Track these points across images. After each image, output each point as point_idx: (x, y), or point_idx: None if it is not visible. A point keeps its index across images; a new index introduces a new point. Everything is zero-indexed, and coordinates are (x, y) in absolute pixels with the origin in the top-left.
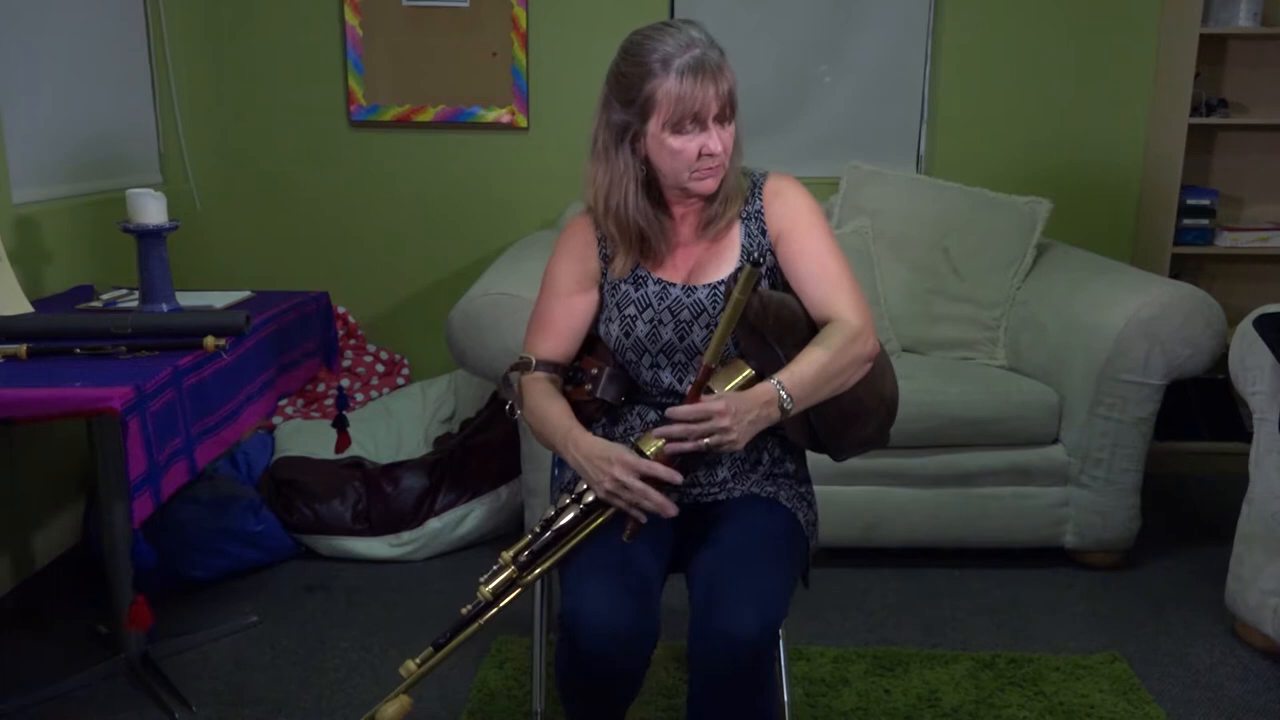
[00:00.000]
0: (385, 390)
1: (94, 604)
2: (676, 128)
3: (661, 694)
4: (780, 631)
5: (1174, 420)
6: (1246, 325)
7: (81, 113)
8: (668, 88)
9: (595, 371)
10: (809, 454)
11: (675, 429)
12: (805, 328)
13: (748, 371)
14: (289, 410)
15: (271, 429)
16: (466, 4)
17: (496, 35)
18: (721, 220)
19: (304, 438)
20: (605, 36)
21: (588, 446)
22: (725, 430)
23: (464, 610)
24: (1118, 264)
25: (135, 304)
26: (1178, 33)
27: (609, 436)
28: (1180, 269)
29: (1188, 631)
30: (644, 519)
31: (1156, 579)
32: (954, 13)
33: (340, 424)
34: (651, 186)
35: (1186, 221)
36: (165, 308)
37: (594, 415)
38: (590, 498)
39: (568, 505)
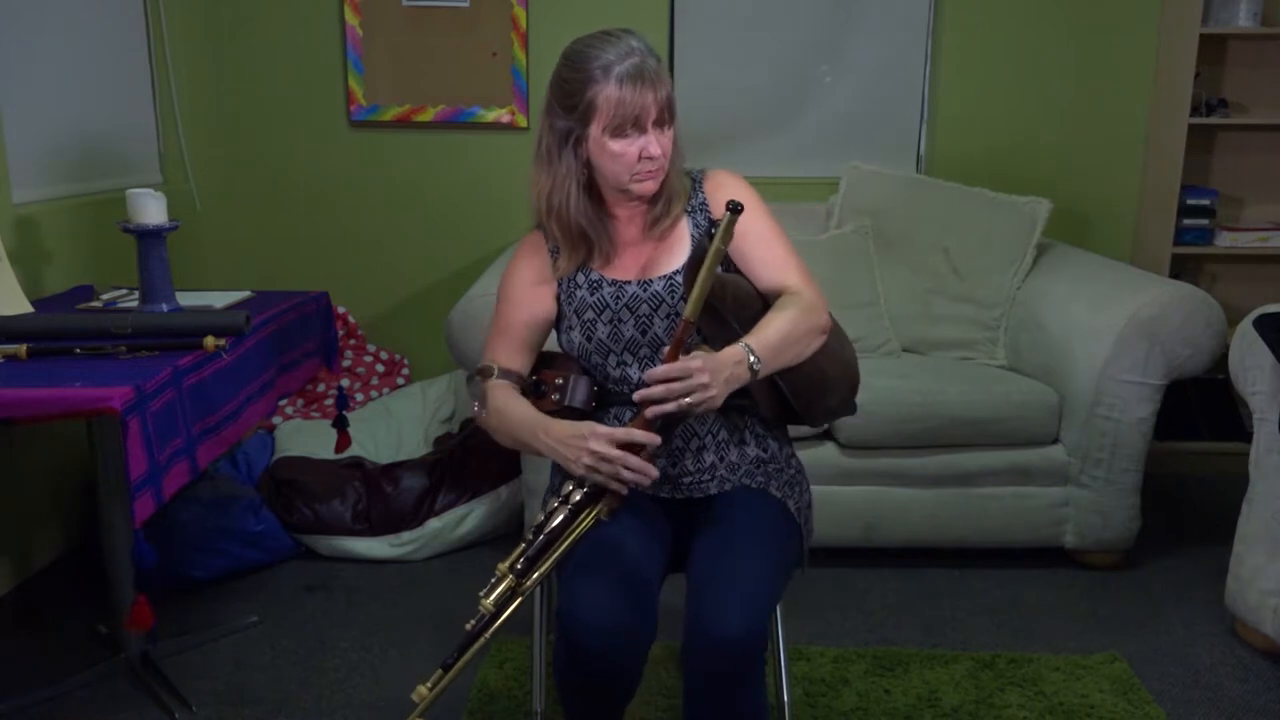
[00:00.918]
0: (385, 390)
1: (94, 604)
2: (617, 132)
3: (661, 694)
4: (779, 632)
5: (1174, 420)
6: (1246, 325)
7: (81, 113)
8: (608, 93)
9: (560, 382)
10: (807, 454)
11: (656, 390)
12: (759, 303)
13: (706, 349)
14: (289, 410)
15: (271, 429)
16: (466, 4)
17: (496, 35)
18: (666, 220)
19: (304, 438)
20: None
21: (558, 430)
22: (705, 386)
23: (468, 626)
24: (1118, 264)
25: (135, 304)
26: (1178, 33)
27: None
28: (1180, 269)
29: (1188, 631)
30: (625, 491)
31: (1156, 579)
32: (954, 13)
33: (340, 424)
34: (593, 189)
35: (1186, 221)
36: (165, 308)
37: None
38: (577, 496)
39: (556, 508)
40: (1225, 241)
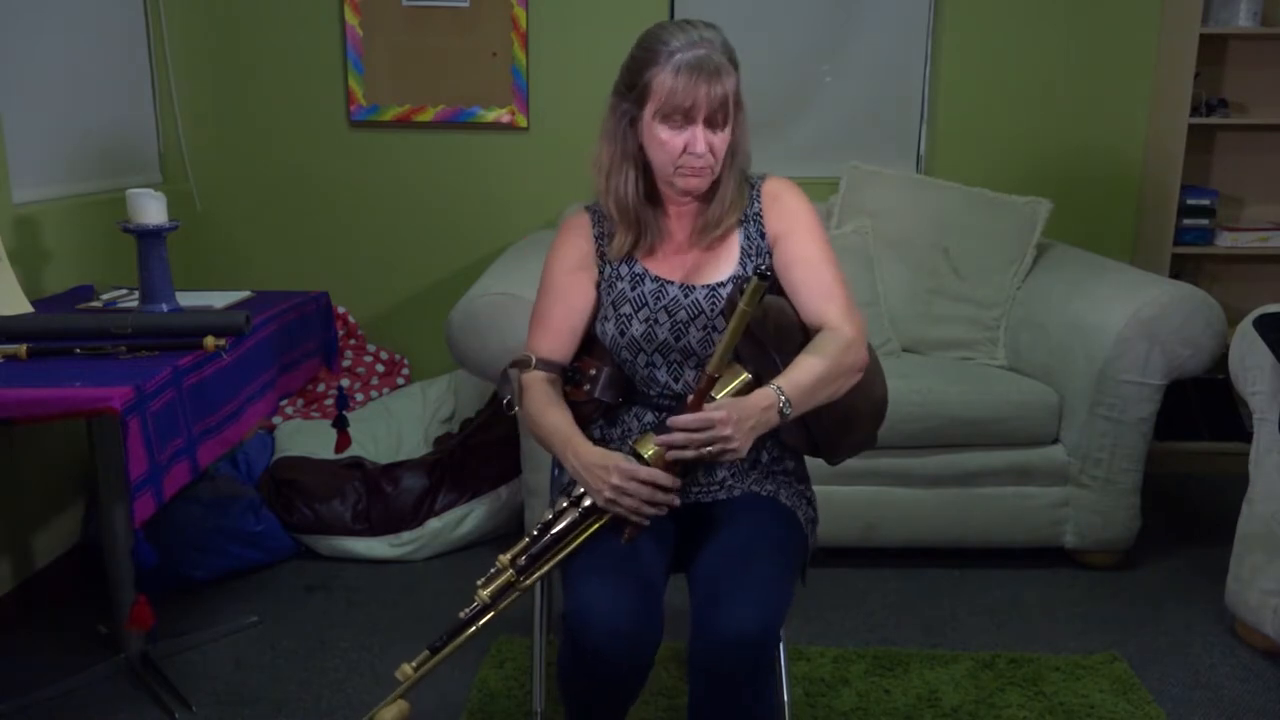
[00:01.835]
0: (385, 390)
1: (94, 604)
2: (666, 119)
3: (661, 694)
4: (780, 631)
5: (1174, 420)
6: (1246, 325)
7: (81, 113)
8: (663, 78)
9: (593, 372)
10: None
11: (677, 437)
12: (800, 334)
13: (745, 376)
14: (289, 410)
15: (271, 429)
16: (466, 4)
17: (496, 35)
18: (717, 230)
19: (304, 438)
20: (605, 36)
21: (586, 455)
22: (727, 439)
23: (462, 614)
24: (1118, 264)
25: (135, 304)
26: (1178, 33)
27: (606, 438)
28: (1180, 269)
29: (1188, 631)
30: (646, 523)
31: (1156, 579)
32: (954, 13)
33: (340, 424)
34: (649, 178)
35: (1186, 221)
36: (165, 308)
37: (591, 416)
38: (588, 502)
39: (565, 509)
40: (1225, 241)
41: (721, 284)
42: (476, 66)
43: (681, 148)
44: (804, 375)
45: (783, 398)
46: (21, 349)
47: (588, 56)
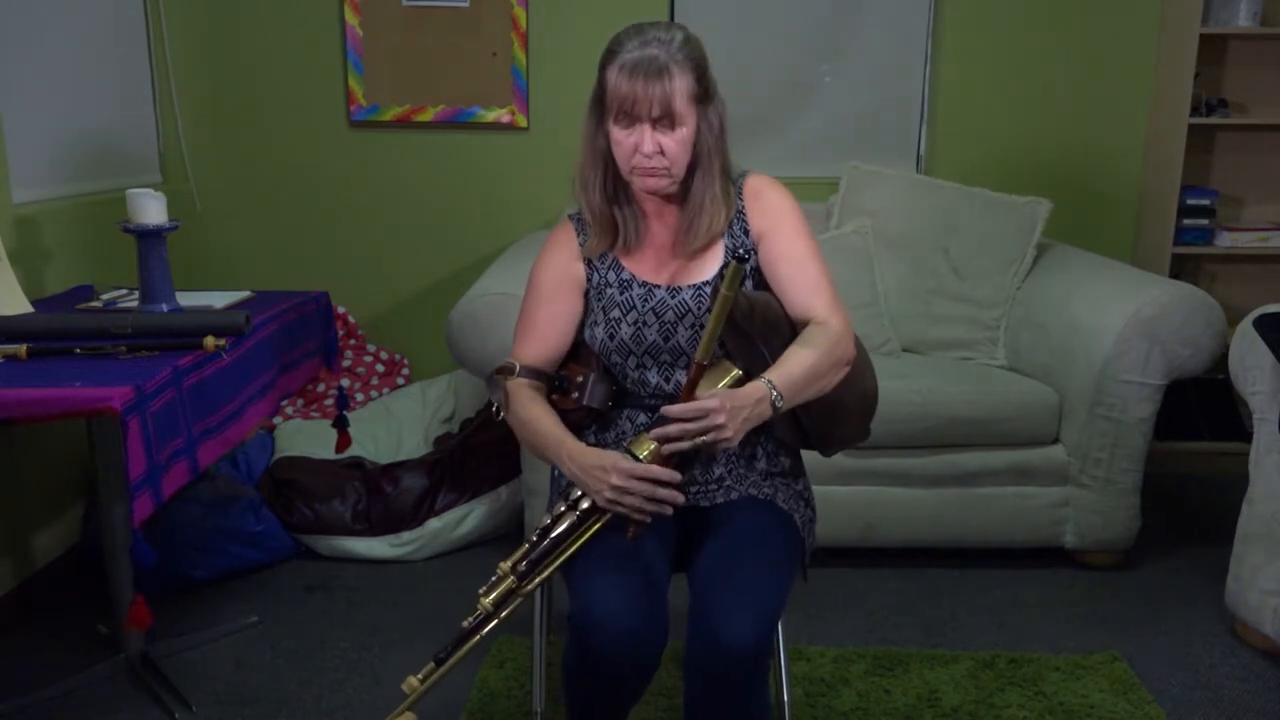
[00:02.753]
0: (385, 390)
1: (94, 604)
2: (617, 119)
3: (662, 694)
4: (779, 632)
5: (1174, 420)
6: (1246, 325)
7: (81, 113)
8: (612, 79)
9: (580, 379)
10: (807, 455)
11: (671, 429)
12: (788, 328)
13: (735, 372)
14: (289, 410)
15: (271, 429)
16: (466, 4)
17: (496, 35)
18: (698, 240)
19: (304, 438)
20: (605, 36)
21: (582, 457)
22: (721, 427)
23: (465, 622)
24: (1118, 264)
25: (135, 304)
26: (1178, 33)
27: (600, 443)
28: (1180, 269)
29: (1188, 631)
30: (648, 520)
31: (1156, 579)
32: (954, 13)
33: (340, 424)
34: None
35: (1186, 221)
36: (165, 308)
37: (583, 422)
38: (586, 503)
39: (564, 513)
40: (1225, 241)
41: (706, 282)
42: (476, 66)
43: (632, 149)
44: (794, 368)
45: (774, 391)
46: (21, 349)
47: (588, 56)
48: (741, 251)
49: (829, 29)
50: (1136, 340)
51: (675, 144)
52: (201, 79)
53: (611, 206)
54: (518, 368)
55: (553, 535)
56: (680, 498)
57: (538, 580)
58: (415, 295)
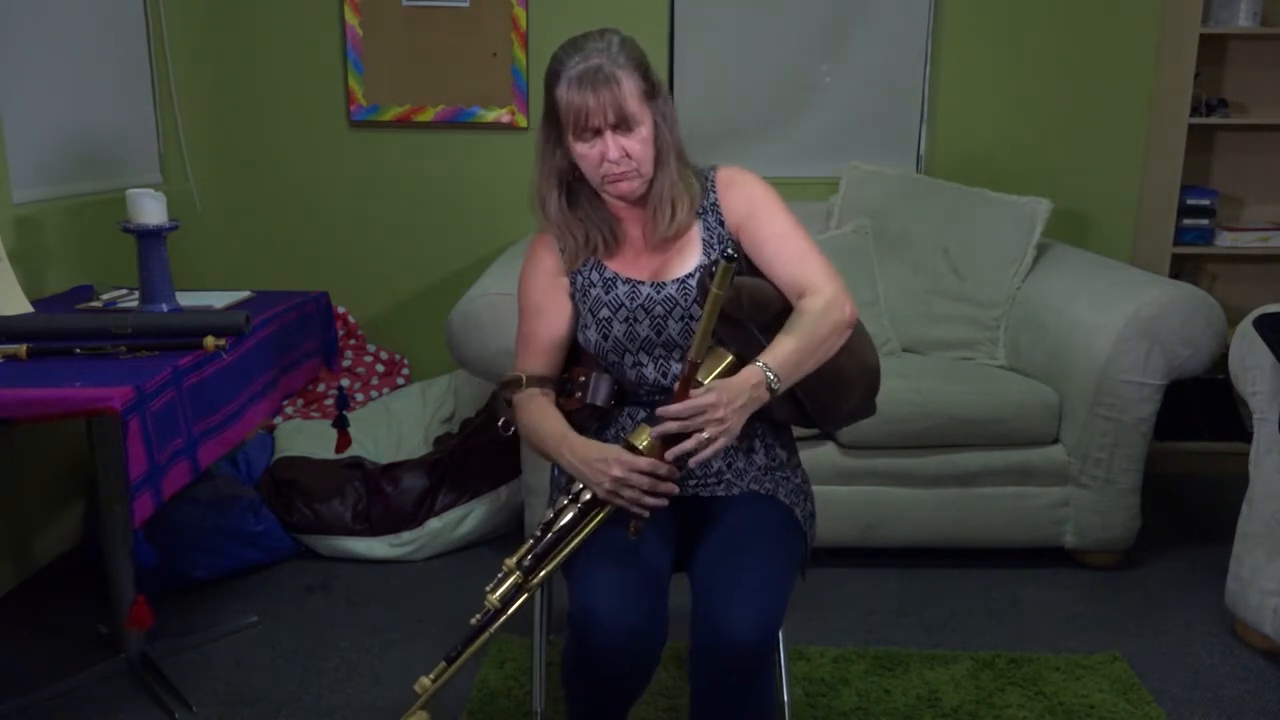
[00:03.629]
0: (385, 390)
1: (94, 604)
2: (577, 135)
3: (662, 694)
4: (780, 631)
5: (1174, 420)
6: (1246, 325)
7: (81, 113)
8: (563, 96)
9: (584, 379)
10: (807, 454)
11: (670, 426)
12: (780, 306)
13: (730, 359)
14: (289, 410)
15: (271, 429)
16: (466, 4)
17: (496, 35)
18: (669, 228)
19: (304, 438)
20: None
21: (582, 450)
22: (720, 421)
23: (473, 620)
24: (1118, 264)
25: (135, 304)
26: (1178, 33)
27: (601, 440)
28: (1180, 269)
29: (1188, 631)
30: (647, 514)
31: (1156, 579)
32: (954, 13)
33: (341, 424)
34: (587, 187)
35: (1186, 221)
36: (165, 308)
37: (586, 422)
38: (587, 496)
39: (565, 506)
40: (1225, 241)
41: (690, 275)
42: (476, 66)
43: (598, 159)
44: (788, 344)
45: (770, 374)
46: (21, 349)
47: None
48: (729, 250)
49: (829, 29)
50: (1136, 340)
51: (638, 144)
52: (201, 79)
53: (576, 216)
54: (525, 379)
55: (556, 528)
56: (675, 490)
57: (543, 573)
58: (415, 295)
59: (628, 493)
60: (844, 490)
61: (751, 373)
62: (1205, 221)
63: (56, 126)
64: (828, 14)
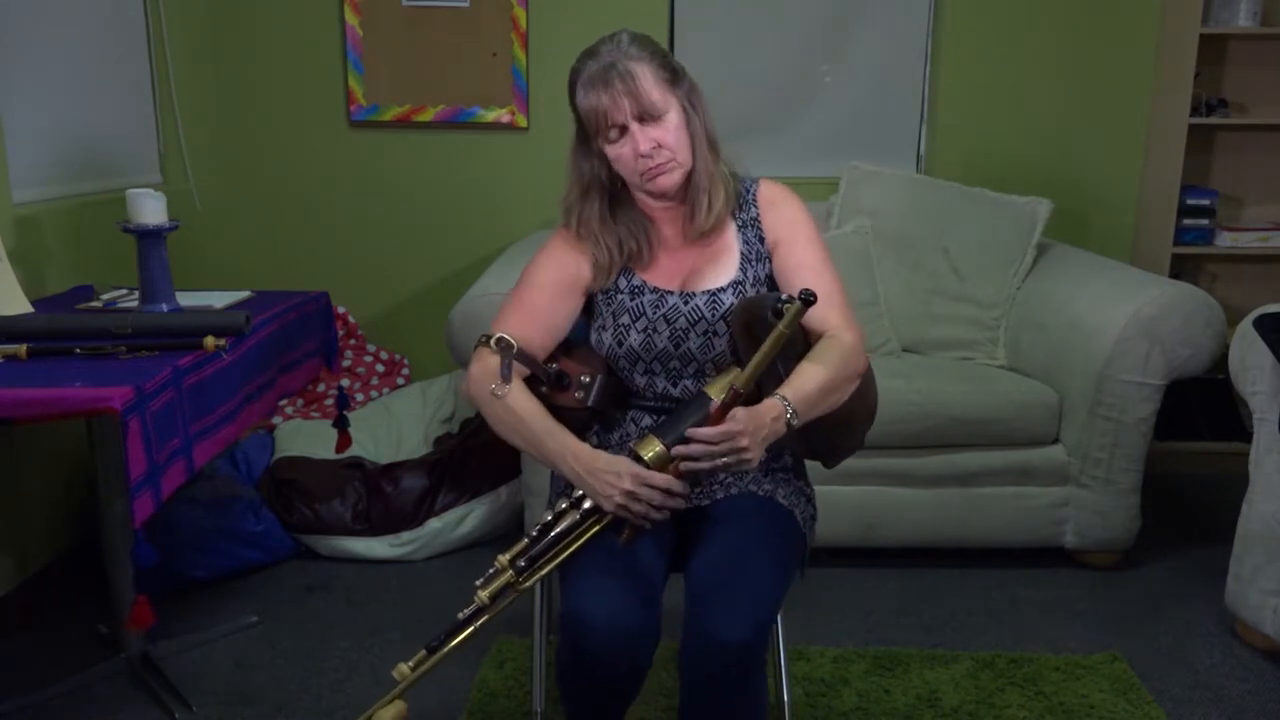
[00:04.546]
0: (385, 390)
1: (94, 604)
2: (605, 137)
3: (661, 694)
4: (779, 632)
5: (1174, 420)
6: (1246, 325)
7: (81, 113)
8: (583, 102)
9: (587, 380)
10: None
11: (695, 449)
12: (801, 341)
13: (735, 371)
14: (289, 410)
15: (271, 429)
16: (466, 4)
17: (496, 35)
18: (706, 222)
19: (304, 438)
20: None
21: (591, 460)
22: (744, 450)
23: (460, 614)
24: (1118, 264)
25: (135, 304)
26: (1178, 33)
27: (603, 444)
28: (1180, 269)
29: (1188, 631)
30: (648, 525)
31: (1156, 579)
32: (954, 13)
33: (341, 424)
34: (627, 192)
35: (1186, 221)
36: (165, 308)
37: (586, 424)
38: (588, 503)
39: (565, 511)
40: (1225, 241)
41: (721, 289)
42: (476, 66)
43: (633, 156)
44: (809, 384)
45: (790, 409)
46: (21, 349)
47: None
48: (810, 295)
49: (829, 29)
50: (1136, 340)
51: (669, 133)
52: (201, 79)
53: (614, 224)
54: (516, 348)
55: (553, 533)
56: (683, 504)
57: (536, 577)
58: (415, 295)
59: (637, 507)
60: (844, 490)
61: (772, 406)
62: (1205, 221)
63: (56, 126)
64: (828, 14)
